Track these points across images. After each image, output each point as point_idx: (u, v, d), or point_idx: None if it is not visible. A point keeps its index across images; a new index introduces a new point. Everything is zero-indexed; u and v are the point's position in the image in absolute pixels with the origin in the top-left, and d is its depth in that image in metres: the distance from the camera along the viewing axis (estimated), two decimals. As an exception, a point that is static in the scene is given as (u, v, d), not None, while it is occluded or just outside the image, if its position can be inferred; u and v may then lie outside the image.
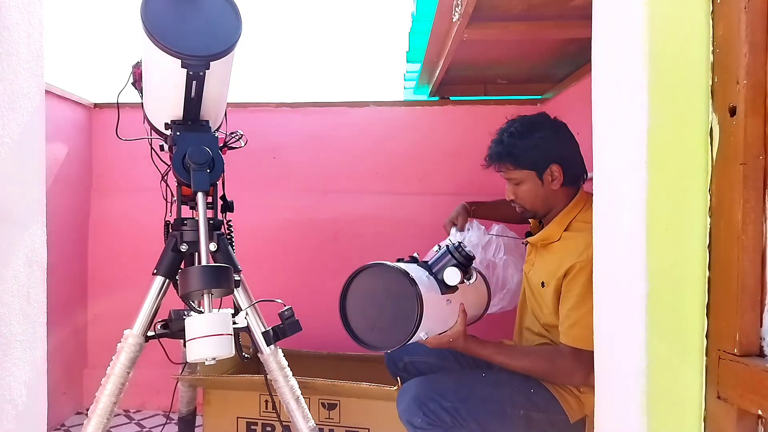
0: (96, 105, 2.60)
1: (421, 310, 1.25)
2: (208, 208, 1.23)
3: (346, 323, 1.34)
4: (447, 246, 1.43)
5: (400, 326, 1.28)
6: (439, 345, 1.42)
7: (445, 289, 1.38)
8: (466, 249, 1.42)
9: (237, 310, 1.34)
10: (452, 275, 1.36)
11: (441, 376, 1.56)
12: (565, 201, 1.54)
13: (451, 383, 1.47)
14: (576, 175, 1.54)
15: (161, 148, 1.36)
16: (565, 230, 1.50)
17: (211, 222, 1.28)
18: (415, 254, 1.48)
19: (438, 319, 1.39)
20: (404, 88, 2.91)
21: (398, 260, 1.43)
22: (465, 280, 1.39)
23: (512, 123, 1.57)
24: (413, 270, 1.34)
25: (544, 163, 1.51)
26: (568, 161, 1.52)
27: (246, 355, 1.35)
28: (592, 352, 1.38)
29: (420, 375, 1.73)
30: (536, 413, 1.41)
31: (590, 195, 1.52)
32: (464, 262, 1.40)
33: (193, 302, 1.18)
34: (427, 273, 1.39)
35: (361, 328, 1.33)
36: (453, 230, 1.87)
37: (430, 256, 1.45)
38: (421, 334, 1.32)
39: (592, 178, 0.84)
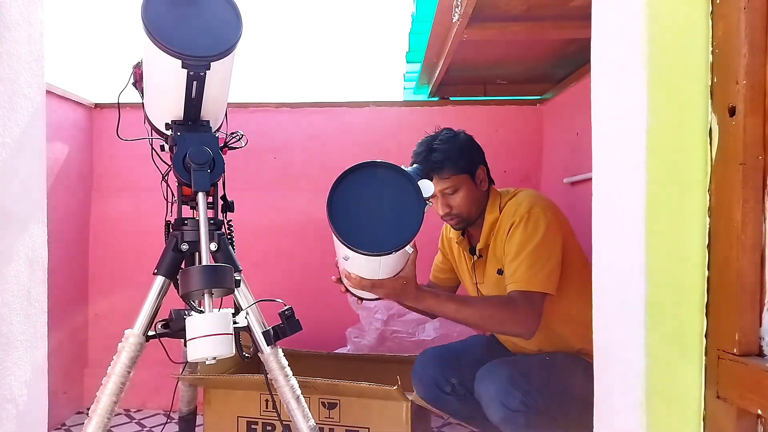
0: (97, 105, 2.60)
1: (423, 209, 1.18)
2: (208, 208, 1.23)
3: (334, 221, 1.20)
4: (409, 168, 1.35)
5: (399, 228, 1.18)
6: (392, 290, 1.32)
7: None
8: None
9: (237, 309, 1.34)
10: (428, 186, 1.25)
11: (523, 360, 1.49)
12: (486, 202, 1.61)
13: (536, 365, 1.43)
14: (490, 176, 1.63)
15: (162, 148, 1.36)
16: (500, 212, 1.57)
17: (212, 222, 1.28)
18: None
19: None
20: (404, 88, 2.91)
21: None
22: (428, 202, 1.29)
23: (434, 136, 1.60)
24: None
25: (475, 165, 1.58)
26: (485, 163, 1.62)
27: (246, 355, 1.35)
28: (541, 293, 1.42)
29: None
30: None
31: (498, 191, 1.62)
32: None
33: (193, 302, 1.18)
34: None
35: (350, 228, 1.19)
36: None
37: None
38: (407, 248, 1.22)
39: (591, 179, 0.85)
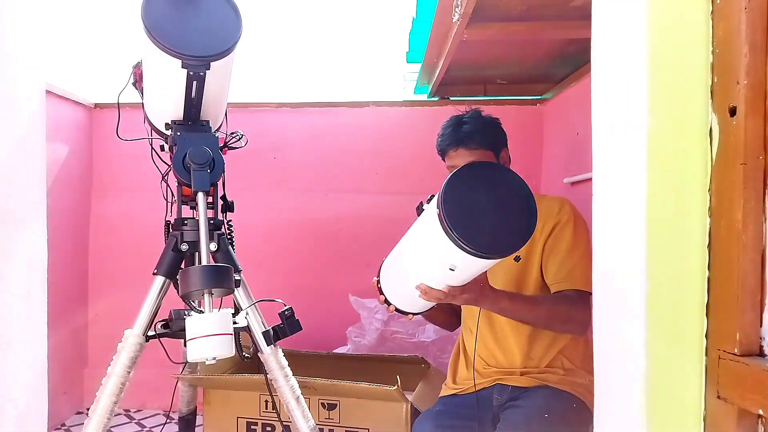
0: (96, 105, 2.60)
1: (534, 203, 1.14)
2: (208, 208, 1.23)
3: (458, 229, 1.08)
4: None
5: (515, 225, 1.12)
6: (473, 294, 1.26)
7: None
8: None
9: (237, 309, 1.34)
10: None
11: (528, 423, 1.41)
12: None
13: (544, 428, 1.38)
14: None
15: (162, 148, 1.36)
16: None
17: (212, 222, 1.28)
18: None
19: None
20: (404, 88, 2.91)
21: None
22: None
23: (461, 114, 1.58)
24: None
25: (501, 144, 1.56)
26: (508, 147, 1.59)
27: (246, 355, 1.35)
28: (589, 293, 1.40)
29: None
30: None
31: None
32: None
33: (193, 302, 1.18)
34: None
35: (471, 234, 1.08)
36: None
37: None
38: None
39: (591, 179, 0.85)
